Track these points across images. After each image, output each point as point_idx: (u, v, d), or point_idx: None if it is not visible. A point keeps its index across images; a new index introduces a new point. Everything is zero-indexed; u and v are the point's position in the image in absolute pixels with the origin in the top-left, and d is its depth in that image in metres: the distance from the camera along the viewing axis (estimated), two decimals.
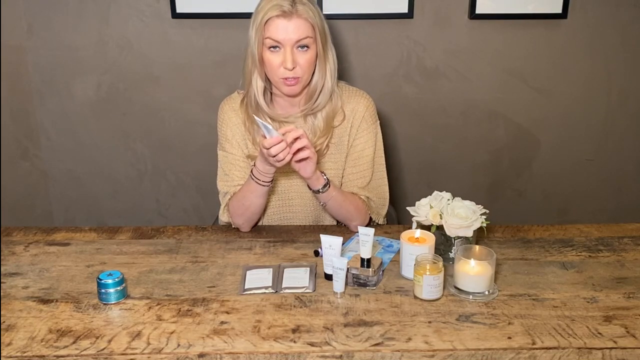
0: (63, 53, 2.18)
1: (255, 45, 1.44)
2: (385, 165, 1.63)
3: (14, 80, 2.21)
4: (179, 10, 2.11)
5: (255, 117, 1.41)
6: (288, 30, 1.40)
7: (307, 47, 1.44)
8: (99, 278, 1.22)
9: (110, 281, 1.21)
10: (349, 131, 1.57)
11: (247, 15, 2.06)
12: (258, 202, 1.52)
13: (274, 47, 1.43)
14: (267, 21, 1.41)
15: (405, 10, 2.11)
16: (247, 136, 1.57)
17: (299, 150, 1.37)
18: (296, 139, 1.36)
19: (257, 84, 1.50)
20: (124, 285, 1.24)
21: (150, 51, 2.18)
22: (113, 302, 1.22)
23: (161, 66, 2.20)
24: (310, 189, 1.50)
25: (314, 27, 1.43)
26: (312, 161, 1.40)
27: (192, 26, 2.15)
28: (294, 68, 1.43)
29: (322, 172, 1.48)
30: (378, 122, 1.61)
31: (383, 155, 1.62)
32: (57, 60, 2.19)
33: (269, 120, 1.53)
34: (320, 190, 1.48)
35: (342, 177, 1.60)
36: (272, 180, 1.48)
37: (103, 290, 1.21)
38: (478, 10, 2.10)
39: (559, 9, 2.11)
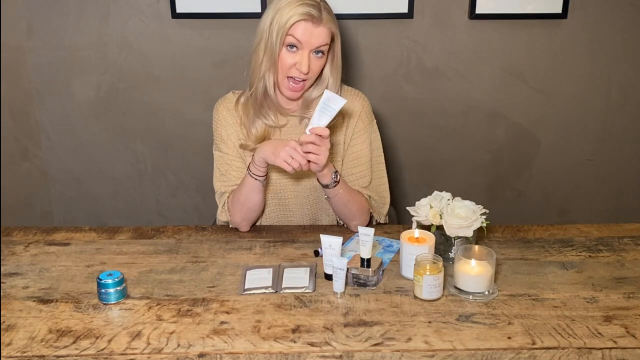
0: (63, 53, 2.18)
1: (276, 45, 1.42)
2: (384, 164, 1.63)
3: (14, 80, 2.21)
4: (179, 10, 2.11)
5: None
6: (312, 35, 1.41)
7: (322, 53, 1.45)
8: (99, 278, 1.22)
9: (110, 281, 1.21)
10: (345, 131, 1.57)
11: (247, 15, 2.10)
12: (253, 198, 1.52)
13: (292, 45, 1.43)
14: (293, 24, 1.40)
15: (405, 10, 2.11)
16: (242, 136, 1.57)
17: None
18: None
19: (269, 80, 1.48)
20: (123, 285, 1.24)
21: (150, 51, 2.18)
22: (113, 302, 1.22)
23: (161, 66, 2.20)
24: (319, 181, 1.50)
25: (333, 36, 1.46)
26: (318, 162, 1.40)
27: (192, 26, 2.15)
28: (307, 72, 1.44)
29: (335, 170, 1.48)
30: (375, 121, 1.61)
31: (382, 154, 1.62)
32: (57, 60, 2.19)
33: (271, 115, 1.53)
34: (328, 186, 1.48)
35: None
36: (264, 176, 1.48)
37: (103, 290, 1.21)
38: (478, 10, 2.10)
39: (558, 9, 2.11)
